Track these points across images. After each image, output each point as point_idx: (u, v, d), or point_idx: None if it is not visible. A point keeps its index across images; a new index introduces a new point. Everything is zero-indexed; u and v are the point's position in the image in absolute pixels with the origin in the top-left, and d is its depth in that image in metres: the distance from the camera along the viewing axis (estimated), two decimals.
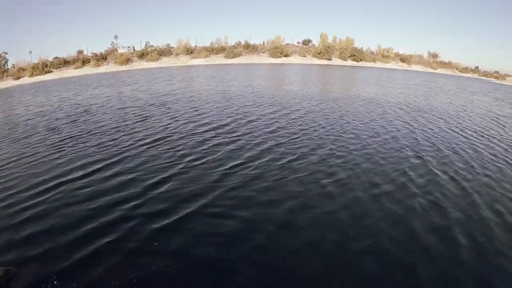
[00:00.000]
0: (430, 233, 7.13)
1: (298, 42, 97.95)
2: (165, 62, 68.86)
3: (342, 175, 9.88)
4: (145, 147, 12.28)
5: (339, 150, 12.27)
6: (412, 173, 10.48)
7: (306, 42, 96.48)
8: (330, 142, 13.31)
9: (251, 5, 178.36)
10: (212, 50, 75.39)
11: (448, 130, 17.05)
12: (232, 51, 75.36)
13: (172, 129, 14.69)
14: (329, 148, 12.47)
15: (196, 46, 78.83)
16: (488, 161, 12.45)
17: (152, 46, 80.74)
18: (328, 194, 8.65)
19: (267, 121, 16.26)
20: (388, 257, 6.29)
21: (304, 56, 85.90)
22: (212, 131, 14.41)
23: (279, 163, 10.74)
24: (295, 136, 13.92)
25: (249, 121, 16.39)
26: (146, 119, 16.81)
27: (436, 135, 15.72)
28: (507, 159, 12.98)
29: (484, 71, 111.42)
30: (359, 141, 13.65)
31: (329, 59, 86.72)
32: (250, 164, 10.52)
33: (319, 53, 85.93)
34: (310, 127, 15.46)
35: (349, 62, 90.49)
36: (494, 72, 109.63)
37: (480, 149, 14.04)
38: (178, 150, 11.81)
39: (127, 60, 65.99)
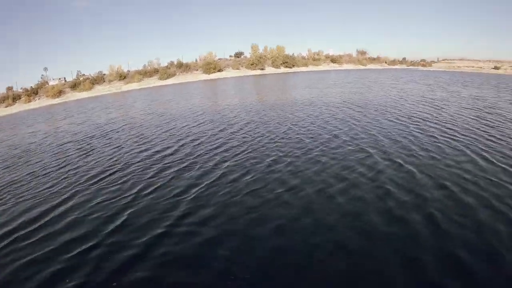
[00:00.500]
0: (389, 220, 7.20)
1: (231, 56, 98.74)
2: (99, 90, 65.95)
3: (295, 182, 9.57)
4: (92, 182, 11.15)
5: (287, 157, 11.99)
6: (360, 167, 10.42)
7: (238, 54, 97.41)
8: (277, 150, 13.00)
9: (182, 24, 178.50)
10: (145, 73, 73.64)
11: (388, 121, 17.47)
12: (165, 72, 74.05)
13: (118, 160, 13.61)
14: (276, 156, 12.14)
15: (129, 71, 76.47)
16: (429, 143, 12.82)
17: (84, 75, 77.35)
18: (286, 202, 8.33)
19: (210, 138, 15.64)
20: (355, 250, 6.26)
21: (237, 69, 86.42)
22: (158, 156, 13.56)
23: (231, 178, 10.25)
24: (241, 149, 13.45)
25: (193, 140, 15.70)
26: (89, 152, 15.49)
27: (377, 127, 16.00)
28: (445, 138, 13.55)
29: (411, 61, 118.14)
30: (304, 145, 13.46)
31: (262, 69, 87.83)
32: (203, 184, 9.87)
33: (251, 64, 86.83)
34: (254, 138, 15.07)
35: (282, 69, 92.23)
36: (421, 61, 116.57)
37: (420, 133, 14.48)
38: (127, 181, 10.86)
39: (60, 92, 62.38)
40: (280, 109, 23.12)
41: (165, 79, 72.10)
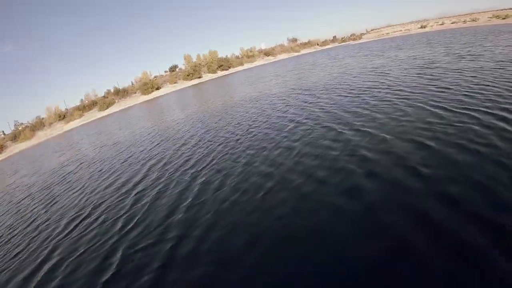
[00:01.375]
0: (375, 180, 7.53)
1: (166, 71, 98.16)
2: (42, 136, 62.74)
3: (270, 184, 9.17)
4: (68, 231, 10.31)
5: (259, 153, 11.96)
6: (333, 143, 10.66)
7: (173, 68, 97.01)
8: (247, 149, 12.91)
9: (113, 50, 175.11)
10: (84, 108, 71.37)
11: (340, 96, 18.02)
12: (104, 102, 72.06)
13: (87, 201, 12.79)
14: (249, 155, 12.04)
15: (67, 109, 73.89)
16: (387, 107, 13.36)
17: (22, 124, 74.11)
18: (278, 192, 8.40)
19: (175, 155, 15.21)
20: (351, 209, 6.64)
21: (175, 83, 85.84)
22: (128, 185, 12.91)
23: (213, 187, 9.98)
24: (211, 157, 13.21)
25: (158, 161, 15.22)
26: (53, 202, 14.39)
27: (333, 105, 16.42)
28: (400, 99, 14.25)
29: (342, 37, 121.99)
30: (271, 138, 13.57)
31: (199, 77, 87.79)
32: (187, 201, 9.51)
33: (188, 75, 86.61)
34: (219, 144, 14.86)
35: (219, 73, 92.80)
36: (351, 35, 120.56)
37: (376, 101, 15.05)
38: (106, 220, 10.12)
39: (1, 148, 59.34)
40: (233, 111, 23.02)
41: (105, 109, 70.23)
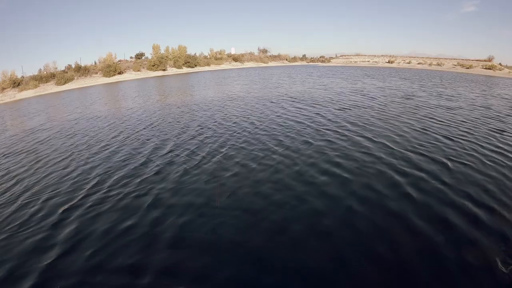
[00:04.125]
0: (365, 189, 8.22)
1: (131, 57, 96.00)
2: None
3: (264, 188, 8.69)
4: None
5: (228, 160, 11.14)
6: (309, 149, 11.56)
7: (139, 56, 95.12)
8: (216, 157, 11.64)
9: (80, 23, 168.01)
10: (41, 79, 67.97)
11: (322, 106, 19.16)
12: (63, 77, 68.79)
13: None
14: (217, 162, 11.06)
15: (23, 77, 70.18)
16: (366, 123, 14.61)
17: None
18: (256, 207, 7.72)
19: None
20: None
21: (138, 71, 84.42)
22: (85, 193, 9.34)
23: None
24: (178, 164, 11.23)
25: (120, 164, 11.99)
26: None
27: (307, 115, 17.76)
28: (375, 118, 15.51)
29: (311, 58, 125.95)
30: (249, 144, 12.98)
31: (164, 70, 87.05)
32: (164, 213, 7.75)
33: (153, 65, 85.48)
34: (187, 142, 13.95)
35: (184, 70, 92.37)
36: (320, 57, 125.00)
37: (354, 114, 16.29)
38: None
39: None
40: (188, 110, 22.74)
41: (63, 84, 67.24)
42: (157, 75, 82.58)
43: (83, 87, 65.48)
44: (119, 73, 77.88)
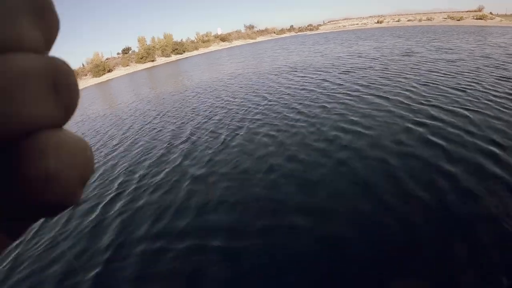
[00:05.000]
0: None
1: (118, 53, 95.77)
2: None
3: (295, 151, 9.05)
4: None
5: (252, 135, 11.31)
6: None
7: (126, 50, 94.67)
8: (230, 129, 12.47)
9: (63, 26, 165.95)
10: None
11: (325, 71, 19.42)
12: None
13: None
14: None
15: None
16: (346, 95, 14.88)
17: None
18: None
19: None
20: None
21: (127, 66, 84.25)
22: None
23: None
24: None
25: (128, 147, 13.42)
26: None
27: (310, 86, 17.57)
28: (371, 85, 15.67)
29: (299, 27, 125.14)
30: (267, 117, 13.27)
31: (153, 61, 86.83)
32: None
33: (141, 58, 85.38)
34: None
35: (174, 57, 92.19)
36: (308, 26, 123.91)
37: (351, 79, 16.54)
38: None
39: None
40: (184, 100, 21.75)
41: None
42: (147, 67, 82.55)
43: None
44: (109, 71, 77.89)
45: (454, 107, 10.70)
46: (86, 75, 76.68)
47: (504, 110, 9.99)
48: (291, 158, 8.60)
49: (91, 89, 56.68)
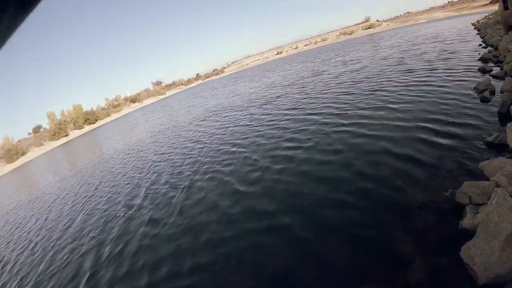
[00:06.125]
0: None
1: (29, 133, 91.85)
2: None
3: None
4: None
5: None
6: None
7: (37, 129, 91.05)
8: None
9: None
10: None
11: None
12: None
13: None
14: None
15: None
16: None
17: None
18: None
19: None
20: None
21: (41, 145, 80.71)
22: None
23: None
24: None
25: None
26: None
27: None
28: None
29: (205, 74, 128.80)
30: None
31: (66, 135, 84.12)
32: None
33: (54, 135, 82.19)
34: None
35: (87, 128, 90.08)
36: (213, 71, 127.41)
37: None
38: None
39: None
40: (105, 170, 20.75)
41: None
42: (62, 142, 79.21)
43: None
44: (22, 154, 73.91)
45: (377, 104, 11.94)
46: None
47: (420, 95, 11.49)
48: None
49: (7, 179, 52.53)
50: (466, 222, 4.44)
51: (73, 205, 14.51)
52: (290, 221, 6.39)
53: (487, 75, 11.88)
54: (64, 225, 12.16)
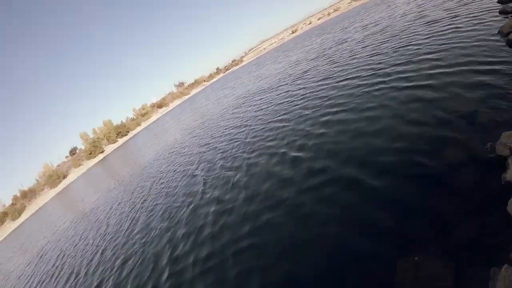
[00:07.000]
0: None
1: (67, 156, 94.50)
2: None
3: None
4: None
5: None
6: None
7: (73, 151, 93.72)
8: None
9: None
10: None
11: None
12: (15, 210, 66.06)
13: None
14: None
15: None
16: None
17: None
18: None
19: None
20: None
21: (80, 165, 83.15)
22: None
23: None
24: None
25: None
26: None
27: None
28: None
29: (225, 66, 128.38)
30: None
31: (102, 151, 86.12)
32: None
33: (90, 153, 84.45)
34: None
35: (120, 141, 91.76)
36: (232, 62, 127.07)
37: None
38: None
39: None
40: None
41: (18, 217, 64.84)
42: (99, 159, 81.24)
43: (37, 209, 62.43)
44: (64, 177, 76.33)
45: (411, 59, 11.93)
46: (43, 189, 74.52)
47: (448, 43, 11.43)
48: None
49: (54, 201, 53.69)
50: (510, 174, 4.30)
51: (132, 208, 15.22)
52: (352, 172, 6.81)
53: (509, 16, 11.70)
54: (128, 226, 12.92)
